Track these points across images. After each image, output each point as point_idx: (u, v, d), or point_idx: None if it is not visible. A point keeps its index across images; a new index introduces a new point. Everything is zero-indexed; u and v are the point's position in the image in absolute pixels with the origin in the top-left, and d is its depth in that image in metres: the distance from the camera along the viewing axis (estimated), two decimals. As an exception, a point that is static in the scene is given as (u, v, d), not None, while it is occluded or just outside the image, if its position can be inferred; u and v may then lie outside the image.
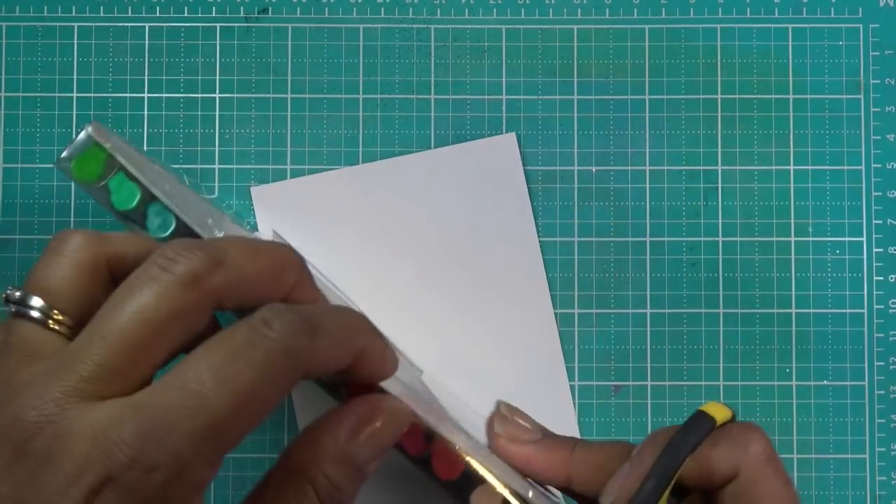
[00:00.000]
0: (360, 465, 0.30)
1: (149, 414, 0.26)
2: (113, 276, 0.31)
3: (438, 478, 0.33)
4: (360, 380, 0.32)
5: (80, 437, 0.26)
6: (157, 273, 0.28)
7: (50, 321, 0.30)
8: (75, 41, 0.45)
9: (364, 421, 0.31)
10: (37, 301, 0.30)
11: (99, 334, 0.28)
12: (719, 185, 0.45)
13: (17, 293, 0.30)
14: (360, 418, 0.31)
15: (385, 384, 0.32)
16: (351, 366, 0.31)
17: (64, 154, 0.34)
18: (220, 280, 0.29)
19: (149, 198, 0.33)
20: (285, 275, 0.31)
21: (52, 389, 0.27)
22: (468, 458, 0.33)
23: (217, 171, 0.44)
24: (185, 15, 0.45)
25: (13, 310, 0.30)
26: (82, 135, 0.34)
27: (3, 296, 0.31)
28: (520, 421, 0.35)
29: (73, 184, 0.44)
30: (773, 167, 0.45)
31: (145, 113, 0.45)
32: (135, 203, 0.33)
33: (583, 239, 0.44)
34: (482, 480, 0.33)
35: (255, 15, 0.45)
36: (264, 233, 0.44)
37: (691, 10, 0.45)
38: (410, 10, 0.45)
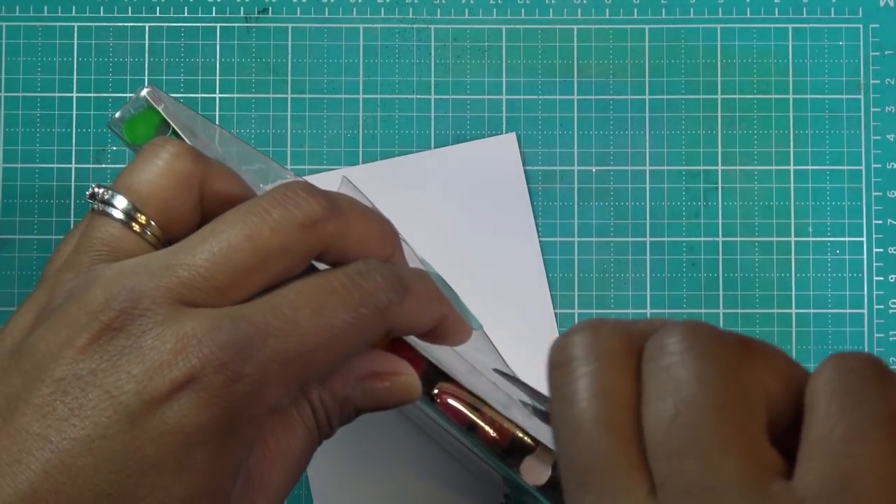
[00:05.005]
0: (351, 412, 0.31)
1: (244, 327, 0.27)
2: (203, 197, 0.30)
3: (486, 446, 0.33)
4: (434, 343, 0.32)
5: (171, 335, 0.27)
6: (276, 207, 0.28)
7: (134, 223, 0.29)
8: (75, 41, 0.45)
9: (376, 377, 0.31)
10: (121, 201, 0.29)
11: (208, 247, 0.28)
12: (719, 185, 0.45)
13: (102, 190, 0.29)
14: (373, 373, 0.31)
15: (434, 349, 0.33)
16: (430, 330, 0.31)
17: (117, 115, 0.33)
18: (332, 229, 0.29)
19: None
20: (386, 243, 0.31)
21: (148, 285, 0.27)
22: (518, 426, 0.33)
23: (217, 171, 0.44)
24: (185, 15, 0.45)
25: (97, 207, 0.29)
26: (137, 97, 0.33)
27: (88, 192, 0.30)
28: None
29: (73, 184, 0.44)
30: (773, 167, 0.45)
31: (145, 113, 0.45)
32: None
33: (583, 239, 0.44)
34: (531, 449, 0.33)
35: (255, 15, 0.45)
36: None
37: (691, 10, 0.45)
38: (410, 10, 0.45)
